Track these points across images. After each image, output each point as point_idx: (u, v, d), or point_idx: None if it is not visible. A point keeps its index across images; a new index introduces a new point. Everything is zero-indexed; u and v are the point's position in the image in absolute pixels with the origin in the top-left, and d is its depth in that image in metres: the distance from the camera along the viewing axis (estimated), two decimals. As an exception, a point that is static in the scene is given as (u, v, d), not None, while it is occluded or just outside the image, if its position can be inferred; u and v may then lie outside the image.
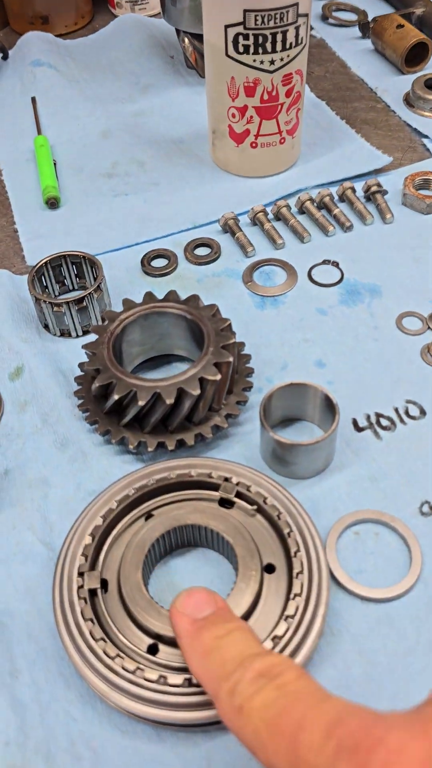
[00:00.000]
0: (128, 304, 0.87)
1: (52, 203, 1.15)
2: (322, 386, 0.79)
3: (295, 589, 0.65)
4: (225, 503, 0.73)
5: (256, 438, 0.83)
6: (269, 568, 0.69)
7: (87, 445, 0.83)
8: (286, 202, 1.10)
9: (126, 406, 0.79)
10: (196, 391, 0.76)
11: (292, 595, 0.65)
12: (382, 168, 1.18)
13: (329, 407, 0.79)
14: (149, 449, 0.79)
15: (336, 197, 1.12)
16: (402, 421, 0.84)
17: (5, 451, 0.84)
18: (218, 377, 0.77)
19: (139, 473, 0.74)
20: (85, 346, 0.83)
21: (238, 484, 0.73)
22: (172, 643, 0.64)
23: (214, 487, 0.74)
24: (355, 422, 0.84)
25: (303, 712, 0.46)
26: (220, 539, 0.71)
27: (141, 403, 0.75)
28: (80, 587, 0.66)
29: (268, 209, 1.11)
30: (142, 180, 1.20)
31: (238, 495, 0.73)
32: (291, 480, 0.79)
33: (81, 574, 0.67)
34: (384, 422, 0.84)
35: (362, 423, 0.84)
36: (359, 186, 1.13)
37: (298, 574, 0.66)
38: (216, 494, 0.74)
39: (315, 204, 1.11)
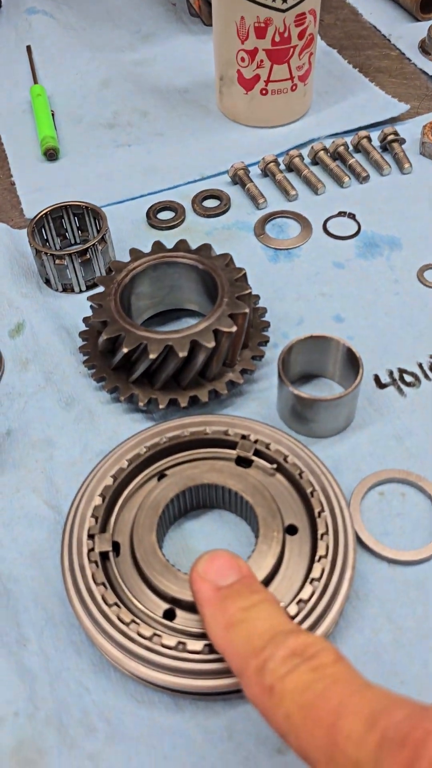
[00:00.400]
0: (136, 254, 0.82)
1: (51, 154, 1.09)
2: (344, 339, 0.75)
3: (320, 551, 0.61)
4: (242, 462, 0.69)
5: (273, 395, 0.78)
6: (291, 530, 0.65)
7: (94, 404, 0.78)
8: (299, 152, 1.04)
9: (135, 361, 0.74)
10: (211, 344, 0.71)
11: (317, 557, 0.61)
12: (398, 117, 1.12)
13: (351, 362, 0.74)
14: (160, 406, 0.74)
15: (351, 147, 1.07)
16: (427, 377, 0.79)
17: (6, 411, 0.79)
18: (234, 329, 0.72)
19: (150, 431, 0.70)
20: (90, 298, 0.77)
21: (256, 441, 0.69)
22: (190, 608, 0.60)
23: (231, 445, 0.69)
24: (377, 379, 0.80)
25: (342, 698, 0.41)
26: (238, 499, 0.66)
27: (152, 356, 0.71)
28: (90, 550, 0.62)
29: (280, 160, 1.05)
30: (146, 130, 1.14)
31: (257, 453, 0.69)
32: (310, 439, 0.75)
33: (91, 537, 0.63)
34: (408, 378, 0.79)
35: (385, 379, 0.79)
36: (375, 135, 1.07)
37: (323, 535, 0.62)
38: (233, 452, 0.69)
39: (329, 154, 1.05)
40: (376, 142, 1.07)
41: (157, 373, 0.74)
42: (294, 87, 1.08)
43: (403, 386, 0.79)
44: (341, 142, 1.05)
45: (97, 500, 0.65)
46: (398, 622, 0.62)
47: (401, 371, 0.80)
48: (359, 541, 0.67)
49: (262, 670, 0.45)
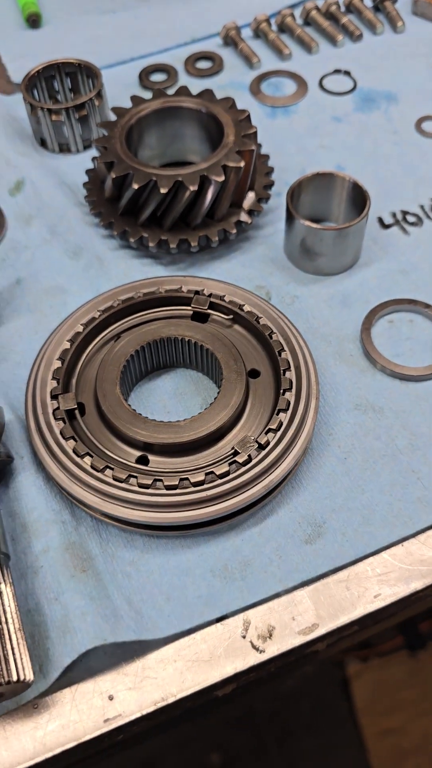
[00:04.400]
0: (137, 100, 0.80)
1: (34, 20, 1.05)
2: (350, 175, 0.75)
3: (284, 385, 0.62)
4: (199, 317, 0.68)
5: (279, 240, 0.79)
6: (254, 373, 0.65)
7: (102, 251, 0.78)
8: (291, 11, 1.02)
9: (144, 201, 0.74)
10: (220, 178, 0.71)
11: (281, 391, 0.62)
12: (389, -22, 1.10)
13: (358, 197, 0.75)
14: (171, 246, 0.74)
15: (343, 7, 1.05)
16: (429, 217, 0.81)
17: (14, 263, 0.78)
18: (242, 164, 0.72)
19: (102, 296, 0.69)
20: (96, 141, 0.76)
21: (210, 295, 0.68)
22: (162, 451, 0.60)
23: (186, 302, 0.68)
24: (380, 220, 0.81)
25: None
26: (198, 348, 0.66)
27: (163, 191, 0.70)
28: (56, 409, 0.61)
29: (272, 20, 1.03)
30: (130, -3, 1.10)
31: (212, 306, 0.68)
32: (319, 276, 0.76)
33: (55, 398, 0.62)
34: (411, 219, 0.81)
35: (388, 221, 0.81)
36: (367, -5, 1.06)
37: (285, 371, 0.63)
38: (188, 309, 0.68)
39: (321, 14, 1.03)
40: (368, 2, 1.05)
41: (166, 214, 0.74)
42: None
43: (406, 226, 0.80)
44: (333, 1, 1.03)
45: (56, 363, 0.64)
46: (413, 429, 0.65)
47: (404, 213, 0.81)
48: (372, 361, 0.69)
49: None
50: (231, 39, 1.00)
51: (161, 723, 0.57)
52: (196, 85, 0.96)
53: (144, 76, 0.97)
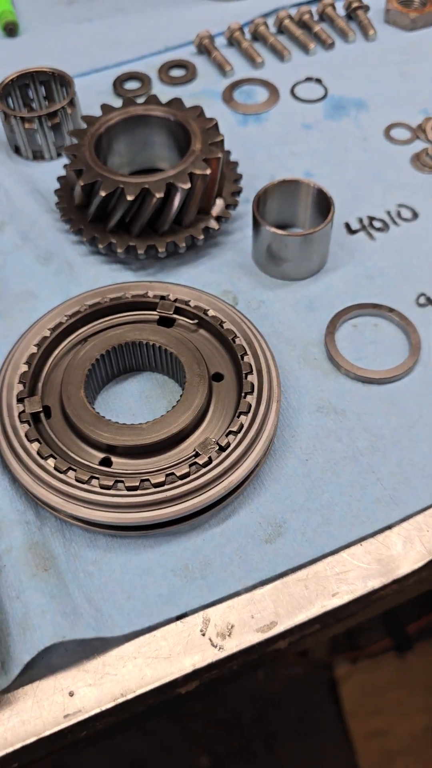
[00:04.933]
0: (107, 108, 0.82)
1: (11, 29, 1.06)
2: (314, 181, 0.77)
3: (246, 389, 0.63)
4: (165, 322, 0.70)
5: (247, 246, 0.80)
6: (217, 377, 0.67)
7: (72, 257, 0.79)
8: (264, 20, 1.04)
9: (112, 209, 0.75)
10: (187, 185, 0.72)
11: (243, 394, 0.63)
12: (361, -13, 1.11)
13: (323, 203, 0.76)
14: (139, 252, 0.75)
15: (316, 15, 1.06)
16: (395, 222, 0.82)
17: (-15, 269, 0.80)
18: (208, 172, 0.74)
19: (69, 302, 0.70)
20: (66, 149, 0.78)
21: (176, 300, 0.70)
22: (125, 453, 0.62)
23: (152, 307, 0.70)
24: (347, 226, 0.82)
25: None
26: (163, 353, 0.67)
27: (129, 198, 0.72)
28: (21, 412, 0.63)
29: (246, 29, 1.04)
30: (106, 6, 1.12)
31: (178, 311, 0.70)
32: (286, 282, 0.78)
33: (21, 401, 0.63)
34: (377, 224, 0.82)
35: (355, 226, 0.82)
36: (340, 4, 1.07)
37: (247, 374, 0.64)
38: (154, 314, 0.70)
39: (294, 22, 1.04)
40: (341, 10, 1.07)
41: (134, 220, 0.75)
42: None
43: (372, 231, 0.82)
44: (306, 10, 1.04)
45: (23, 367, 0.65)
46: (374, 431, 0.67)
47: (371, 218, 0.83)
48: (336, 365, 0.71)
49: None
50: (204, 47, 1.02)
51: (125, 720, 0.58)
52: (169, 93, 0.98)
53: (118, 84, 0.99)
